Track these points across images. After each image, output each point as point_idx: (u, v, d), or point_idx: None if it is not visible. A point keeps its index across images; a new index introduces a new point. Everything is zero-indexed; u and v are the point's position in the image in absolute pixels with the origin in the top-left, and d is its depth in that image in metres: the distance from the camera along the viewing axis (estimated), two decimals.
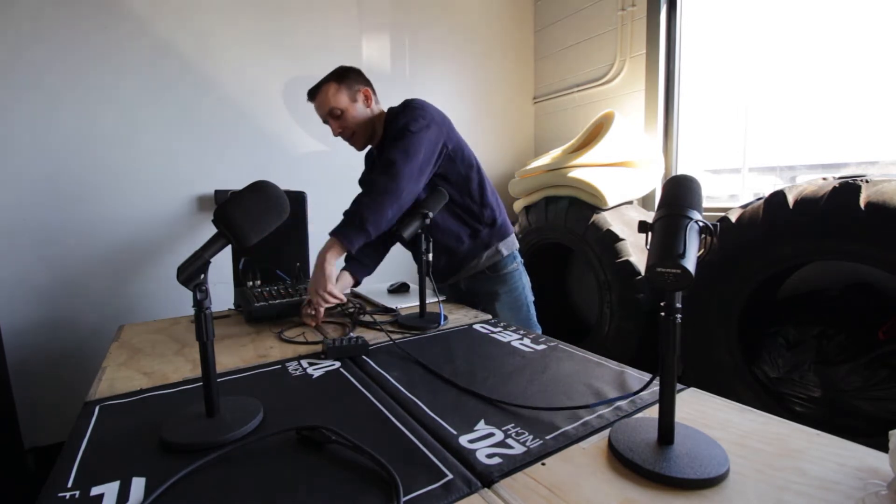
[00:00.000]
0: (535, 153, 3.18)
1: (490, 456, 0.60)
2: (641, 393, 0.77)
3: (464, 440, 0.64)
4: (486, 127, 3.00)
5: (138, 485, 0.56)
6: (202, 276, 0.66)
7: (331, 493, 0.54)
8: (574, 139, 2.49)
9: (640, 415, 0.71)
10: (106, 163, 1.93)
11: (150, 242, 2.05)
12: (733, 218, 1.64)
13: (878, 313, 1.60)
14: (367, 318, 1.28)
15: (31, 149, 1.80)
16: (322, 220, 2.24)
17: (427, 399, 0.77)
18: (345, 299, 1.21)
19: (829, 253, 1.44)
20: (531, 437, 0.64)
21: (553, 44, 3.02)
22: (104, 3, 1.87)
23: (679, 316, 0.56)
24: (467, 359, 0.97)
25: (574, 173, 2.24)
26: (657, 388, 0.61)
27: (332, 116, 1.35)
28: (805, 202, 1.45)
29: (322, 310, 1.19)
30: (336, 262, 1.19)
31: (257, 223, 0.71)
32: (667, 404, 0.58)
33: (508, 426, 0.68)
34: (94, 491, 0.55)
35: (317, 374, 0.90)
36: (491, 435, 0.65)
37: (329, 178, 2.42)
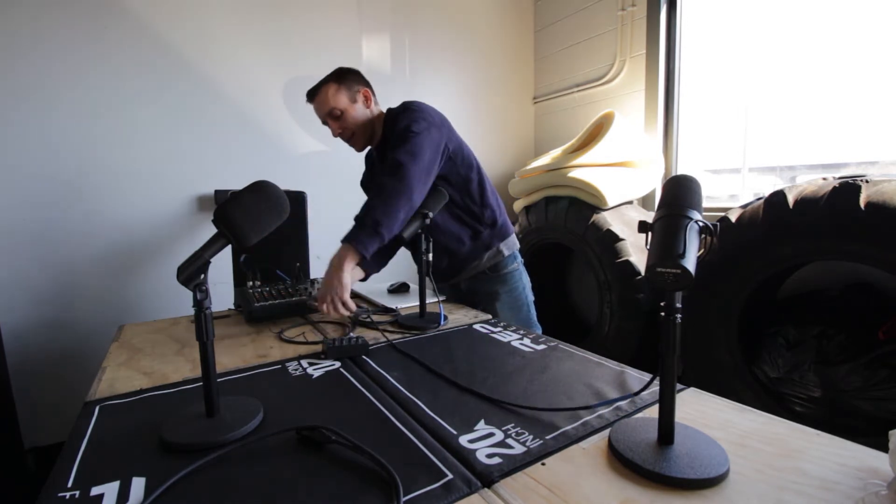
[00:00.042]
0: (535, 153, 3.18)
1: (490, 456, 0.60)
2: (641, 393, 0.77)
3: (464, 440, 0.64)
4: (486, 127, 3.00)
5: (138, 485, 0.56)
6: (202, 276, 0.66)
7: (331, 493, 0.54)
8: (574, 139, 2.49)
9: (640, 415, 0.71)
10: (106, 163, 1.93)
11: (150, 242, 2.05)
12: (733, 218, 1.64)
13: (878, 313, 1.60)
14: (367, 318, 1.28)
15: (31, 149, 1.80)
16: (322, 220, 2.24)
17: (427, 399, 0.77)
18: (354, 309, 1.17)
19: (829, 253, 1.44)
20: (531, 437, 0.64)
21: (553, 44, 3.02)
22: (104, 4, 1.87)
23: (679, 316, 0.56)
24: (467, 359, 0.97)
25: (574, 173, 2.24)
26: (657, 388, 0.61)
27: (331, 117, 1.35)
28: (805, 202, 1.45)
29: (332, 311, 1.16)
30: (351, 270, 1.15)
31: (257, 223, 0.71)
32: (667, 404, 0.58)
33: (508, 426, 0.68)
34: (94, 491, 0.55)
35: (317, 374, 0.90)
36: (491, 435, 0.65)
37: (329, 178, 2.42)
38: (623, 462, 0.57)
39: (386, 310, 1.38)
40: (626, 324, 2.13)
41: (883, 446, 0.54)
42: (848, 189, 1.36)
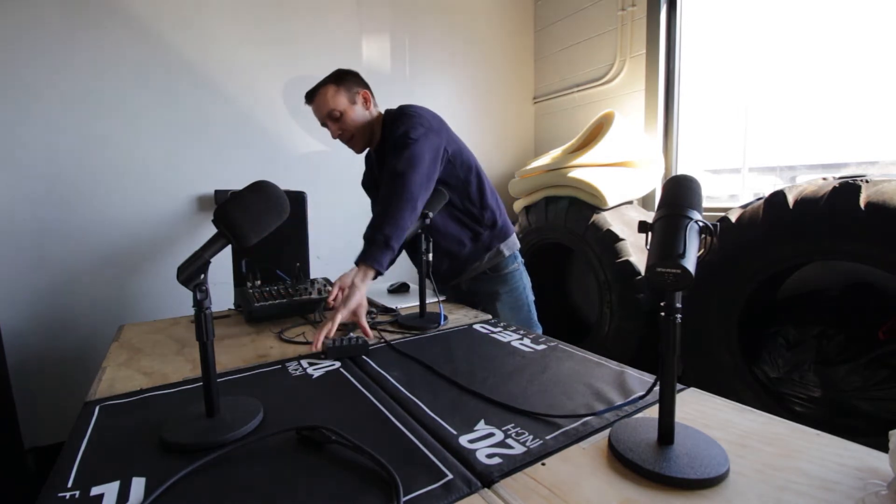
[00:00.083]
0: (535, 153, 3.18)
1: (490, 456, 0.60)
2: (641, 393, 0.77)
3: (464, 440, 0.64)
4: (486, 127, 3.00)
5: (138, 485, 0.56)
6: (202, 276, 0.66)
7: (331, 493, 0.54)
8: (574, 139, 2.49)
9: (640, 415, 0.71)
10: (106, 163, 1.93)
11: (150, 242, 2.05)
12: (733, 218, 1.64)
13: (878, 313, 1.60)
14: (372, 318, 1.28)
15: (31, 149, 1.80)
16: (322, 220, 2.24)
17: (427, 399, 0.77)
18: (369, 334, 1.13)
19: (829, 253, 1.44)
20: (531, 437, 0.64)
21: (553, 44, 3.02)
22: (104, 5, 1.87)
23: (679, 316, 0.56)
24: (467, 359, 0.97)
25: (574, 173, 2.24)
26: (657, 388, 0.61)
27: (330, 119, 1.34)
28: (805, 202, 1.45)
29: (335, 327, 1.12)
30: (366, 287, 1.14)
31: (257, 223, 0.71)
32: (667, 404, 0.58)
33: (508, 426, 0.68)
34: (94, 491, 0.55)
35: (317, 374, 0.90)
36: (491, 435, 0.65)
37: (329, 178, 2.42)
38: (623, 462, 0.57)
39: (386, 310, 1.38)
40: (626, 324, 2.13)
41: (883, 446, 0.54)
42: (848, 189, 1.36)
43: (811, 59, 1.97)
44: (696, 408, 0.71)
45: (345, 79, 1.35)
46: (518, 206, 2.68)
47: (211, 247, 0.68)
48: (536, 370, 0.89)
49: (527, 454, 0.60)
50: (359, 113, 1.36)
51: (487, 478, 0.56)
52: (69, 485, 0.56)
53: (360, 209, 1.84)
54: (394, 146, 1.26)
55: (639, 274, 2.07)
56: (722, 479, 0.54)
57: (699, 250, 0.55)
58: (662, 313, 0.56)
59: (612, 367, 0.89)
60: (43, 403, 1.88)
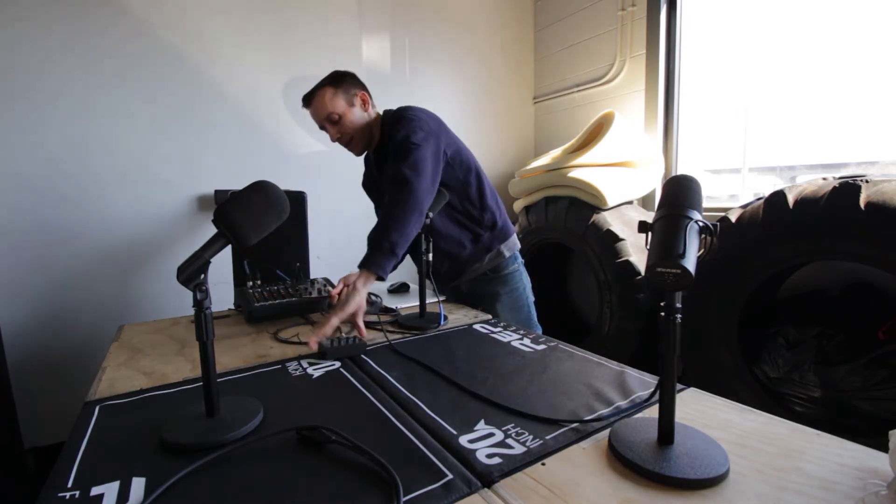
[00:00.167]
0: (535, 153, 3.18)
1: (490, 456, 0.60)
2: (640, 393, 0.77)
3: (464, 440, 0.64)
4: (486, 127, 3.00)
5: (138, 485, 0.56)
6: (202, 276, 0.66)
7: (331, 493, 0.54)
8: (574, 139, 2.49)
9: (640, 415, 0.71)
10: (106, 162, 1.93)
11: (150, 242, 2.05)
12: (733, 218, 1.64)
13: (878, 313, 1.60)
14: (368, 316, 1.28)
15: (31, 149, 1.80)
16: (322, 220, 2.24)
17: (427, 399, 0.77)
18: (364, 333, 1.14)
19: (829, 253, 1.44)
20: (531, 437, 0.64)
21: (553, 44, 3.02)
22: (104, 3, 1.87)
23: (679, 316, 0.56)
24: (467, 359, 0.97)
25: (574, 173, 2.24)
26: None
27: (329, 122, 1.33)
28: (805, 202, 1.45)
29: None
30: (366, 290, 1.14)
31: (257, 223, 0.71)
32: (667, 404, 0.58)
33: (508, 426, 0.68)
34: (94, 491, 0.55)
35: (317, 374, 0.90)
36: (491, 435, 0.65)
37: (329, 178, 2.42)
38: (623, 462, 0.57)
39: (386, 310, 1.38)
40: (626, 324, 2.13)
41: (883, 446, 0.54)
42: (848, 189, 1.36)
43: (811, 59, 1.97)
44: (696, 408, 0.71)
45: (342, 81, 1.33)
46: (518, 206, 2.68)
47: (211, 247, 0.68)
48: (536, 370, 0.89)
49: (527, 454, 0.60)
50: (357, 115, 1.34)
51: (487, 478, 0.56)
52: (69, 485, 0.56)
53: (360, 209, 1.84)
54: (395, 151, 1.24)
55: (639, 274, 2.07)
56: (722, 479, 0.54)
57: (699, 250, 0.55)
58: (662, 313, 0.56)
59: (612, 367, 0.89)
60: (43, 403, 1.88)
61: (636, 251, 2.11)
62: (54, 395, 1.89)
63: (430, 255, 1.22)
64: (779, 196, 1.52)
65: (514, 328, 1.17)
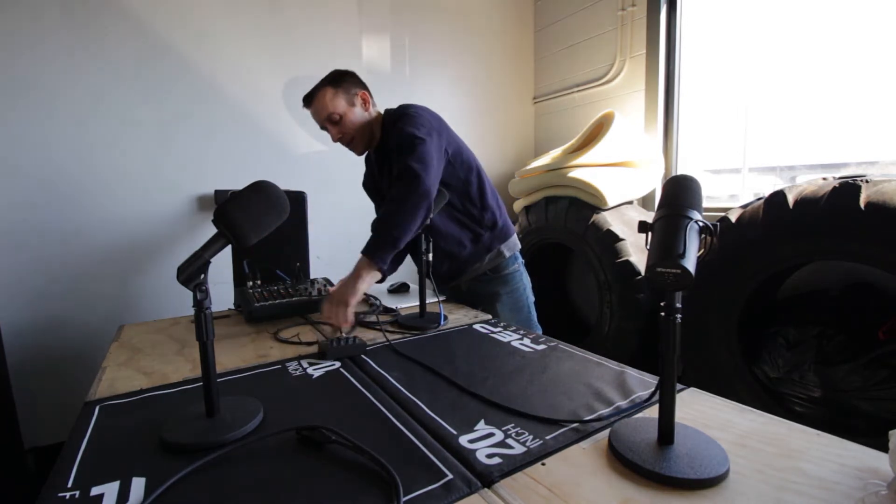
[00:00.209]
0: (535, 153, 3.18)
1: (490, 456, 0.60)
2: (640, 393, 0.77)
3: (464, 440, 0.64)
4: (486, 127, 3.00)
5: (138, 485, 0.56)
6: (202, 276, 0.66)
7: (331, 493, 0.54)
8: (574, 139, 2.49)
9: (640, 415, 0.71)
10: (106, 163, 1.93)
11: (150, 242, 2.05)
12: (733, 218, 1.64)
13: (878, 313, 1.60)
14: (369, 318, 1.28)
15: (31, 149, 1.80)
16: (322, 220, 2.24)
17: (427, 399, 0.77)
18: (351, 322, 1.13)
19: (829, 253, 1.44)
20: (531, 437, 0.64)
21: (553, 44, 3.02)
22: (104, 3, 1.87)
23: (679, 316, 0.56)
24: (467, 359, 0.97)
25: (574, 173, 2.24)
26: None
27: (330, 122, 1.32)
28: (805, 202, 1.45)
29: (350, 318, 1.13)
30: (369, 281, 1.14)
31: (257, 223, 0.71)
32: (667, 404, 0.58)
33: (508, 426, 0.68)
34: (94, 491, 0.55)
35: (317, 374, 0.90)
36: (491, 435, 0.65)
37: (329, 178, 2.42)
38: (623, 462, 0.57)
39: (386, 310, 1.38)
40: (626, 324, 2.13)
41: (883, 446, 0.54)
42: (848, 189, 1.36)
43: (811, 59, 1.97)
44: (696, 408, 0.71)
45: (342, 80, 1.33)
46: (518, 206, 2.68)
47: (211, 247, 0.68)
48: (536, 370, 0.89)
49: (527, 454, 0.60)
50: (358, 114, 1.34)
51: (487, 478, 0.56)
52: (69, 485, 0.56)
53: (360, 209, 1.84)
54: (400, 147, 1.24)
55: (639, 274, 2.07)
56: (722, 479, 0.54)
57: (699, 250, 0.55)
58: (662, 313, 0.56)
59: (612, 367, 0.89)
60: (43, 403, 1.88)
61: (636, 251, 2.11)
62: (54, 395, 1.89)
63: (430, 255, 1.22)
64: (779, 196, 1.52)
65: (514, 328, 1.17)
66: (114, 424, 0.72)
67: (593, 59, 2.76)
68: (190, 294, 0.66)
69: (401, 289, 1.65)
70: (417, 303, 1.28)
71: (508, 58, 3.06)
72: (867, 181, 1.35)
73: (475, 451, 0.61)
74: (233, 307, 1.48)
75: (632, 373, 0.86)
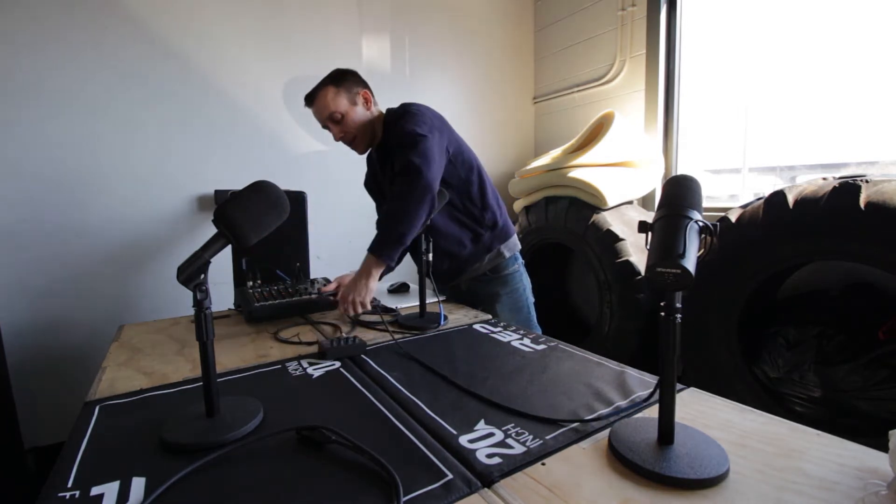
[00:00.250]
0: (535, 153, 3.18)
1: (490, 456, 0.60)
2: (641, 393, 0.77)
3: (464, 440, 0.64)
4: (486, 127, 3.00)
5: (138, 485, 0.56)
6: (202, 276, 0.66)
7: (331, 493, 0.54)
8: (574, 139, 2.49)
9: (640, 415, 0.71)
10: (106, 163, 1.93)
11: (150, 242, 2.05)
12: (733, 218, 1.64)
13: (878, 313, 1.60)
14: (369, 317, 1.28)
15: (31, 149, 1.80)
16: (322, 220, 2.24)
17: (427, 399, 0.77)
18: (369, 309, 1.23)
19: (829, 253, 1.44)
20: (531, 436, 0.64)
21: (553, 44, 3.02)
22: (104, 5, 1.87)
23: (679, 316, 0.56)
24: (467, 359, 0.97)
25: (574, 173, 2.24)
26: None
27: (331, 121, 1.32)
28: (805, 202, 1.45)
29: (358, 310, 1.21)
30: (377, 277, 1.21)
31: (257, 223, 0.71)
32: (667, 404, 0.58)
33: (508, 426, 0.68)
34: (94, 491, 0.55)
35: (317, 374, 0.90)
36: (491, 435, 0.65)
37: (329, 178, 2.42)
38: (623, 462, 0.57)
39: (386, 310, 1.38)
40: (626, 324, 2.13)
41: (883, 446, 0.54)
42: (848, 189, 1.36)
43: (811, 59, 1.97)
44: (696, 408, 0.71)
45: (344, 79, 1.33)
46: (518, 206, 2.68)
47: (211, 247, 0.68)
48: (536, 370, 0.89)
49: (527, 454, 0.60)
50: (360, 113, 1.34)
51: (487, 478, 0.56)
52: (69, 485, 0.56)
53: (360, 209, 1.84)
54: (401, 143, 1.24)
55: (639, 274, 2.07)
56: (722, 479, 0.54)
57: (699, 250, 0.55)
58: (662, 313, 0.56)
59: (612, 367, 0.89)
60: (43, 403, 1.88)
61: (636, 251, 2.11)
62: (54, 395, 1.88)
63: (430, 255, 1.22)
64: (779, 196, 1.52)
65: (514, 328, 1.17)
66: (114, 424, 0.72)
67: (593, 59, 2.76)
68: (190, 294, 0.66)
69: (401, 289, 1.65)
70: (417, 303, 1.28)
71: (508, 58, 3.06)
72: (867, 181, 1.35)
73: (475, 451, 0.61)
74: (233, 307, 1.48)
75: (632, 373, 0.86)
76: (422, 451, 0.61)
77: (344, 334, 1.13)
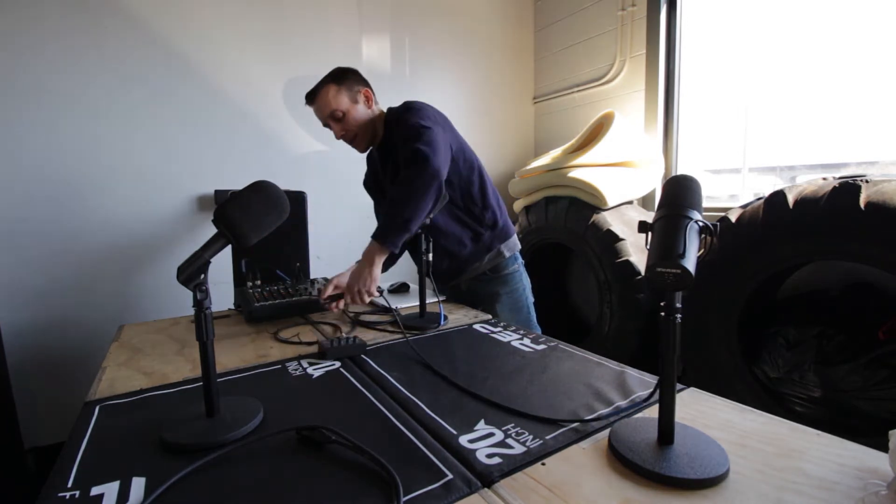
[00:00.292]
0: (535, 153, 3.18)
1: (490, 456, 0.60)
2: (641, 393, 0.77)
3: (464, 440, 0.64)
4: (486, 127, 3.00)
5: (138, 485, 0.56)
6: (202, 276, 0.66)
7: (331, 493, 0.54)
8: (574, 139, 2.49)
9: (640, 415, 0.71)
10: (106, 163, 1.93)
11: (150, 242, 2.05)
12: (733, 218, 1.64)
13: (878, 313, 1.60)
14: (370, 318, 1.28)
15: (31, 149, 1.80)
16: (322, 220, 2.24)
17: (427, 399, 0.77)
18: (377, 295, 1.22)
19: (829, 253, 1.44)
20: (531, 436, 0.64)
21: (553, 44, 3.02)
22: (105, 4, 1.87)
23: (679, 316, 0.56)
24: (467, 359, 0.97)
25: (574, 173, 2.24)
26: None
27: (333, 119, 1.32)
28: (805, 202, 1.45)
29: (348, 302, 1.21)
30: (380, 265, 1.19)
31: (257, 223, 0.71)
32: (667, 404, 0.58)
33: (508, 426, 0.68)
34: (94, 491, 0.55)
35: (317, 374, 0.90)
36: (491, 435, 0.65)
37: (329, 178, 2.42)
38: (623, 462, 0.57)
39: (386, 310, 1.38)
40: (626, 324, 2.13)
41: (883, 446, 0.54)
42: (848, 189, 1.36)
43: (811, 59, 1.97)
44: (696, 408, 0.71)
45: (345, 77, 1.33)
46: (518, 206, 2.68)
47: (211, 247, 0.68)
48: (536, 370, 0.89)
49: (527, 454, 0.60)
50: (361, 112, 1.34)
51: (487, 478, 0.56)
52: (69, 485, 0.56)
53: (361, 209, 1.84)
54: (406, 136, 1.22)
55: (639, 274, 2.07)
56: (722, 479, 0.54)
57: (699, 250, 0.55)
58: (662, 313, 0.56)
59: (612, 367, 0.89)
60: (43, 403, 1.88)
61: (636, 251, 2.11)
62: (54, 395, 1.89)
63: (430, 255, 1.22)
64: (779, 196, 1.52)
65: (514, 328, 1.17)
66: (114, 424, 0.72)
67: (593, 59, 2.76)
68: (190, 294, 0.66)
69: (401, 289, 1.65)
70: (417, 303, 1.28)
71: (508, 58, 3.06)
72: (867, 181, 1.35)
73: (475, 450, 0.61)
74: (233, 307, 1.48)
75: (632, 373, 0.86)
76: (422, 451, 0.61)
77: (344, 334, 1.13)
